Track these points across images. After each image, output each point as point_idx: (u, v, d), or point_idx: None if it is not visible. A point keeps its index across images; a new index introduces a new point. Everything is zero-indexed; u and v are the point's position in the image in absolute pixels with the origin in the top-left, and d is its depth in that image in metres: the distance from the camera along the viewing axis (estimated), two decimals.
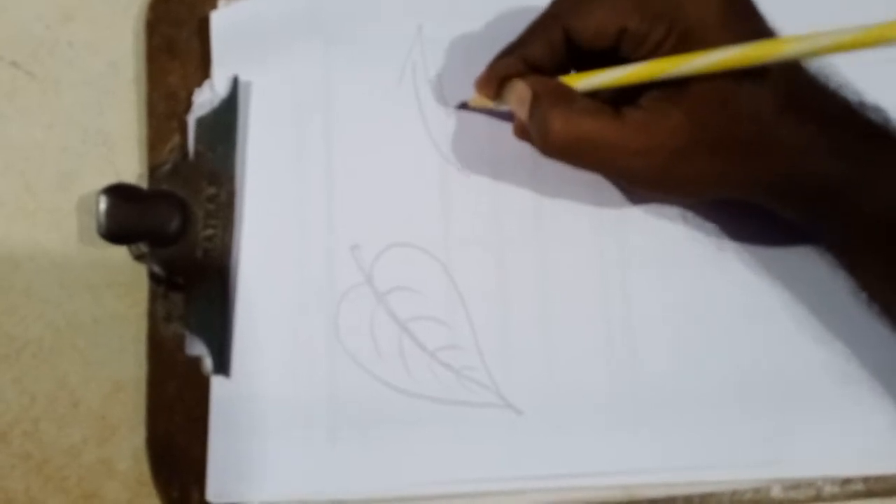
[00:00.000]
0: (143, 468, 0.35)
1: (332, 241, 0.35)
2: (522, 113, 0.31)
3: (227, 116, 0.36)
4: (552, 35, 0.31)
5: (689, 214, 0.35)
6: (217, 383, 0.34)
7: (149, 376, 0.35)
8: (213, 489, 0.33)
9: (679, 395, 0.33)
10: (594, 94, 0.30)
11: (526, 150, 0.35)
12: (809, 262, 0.33)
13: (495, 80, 0.32)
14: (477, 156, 0.36)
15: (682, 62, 0.27)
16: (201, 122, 0.36)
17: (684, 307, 0.34)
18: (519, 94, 0.31)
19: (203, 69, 0.38)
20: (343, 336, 0.34)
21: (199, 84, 0.38)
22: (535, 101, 0.30)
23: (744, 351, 0.33)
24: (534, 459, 0.33)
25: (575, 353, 0.34)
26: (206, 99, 0.37)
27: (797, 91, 0.28)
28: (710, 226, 0.35)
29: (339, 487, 0.33)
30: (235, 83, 0.36)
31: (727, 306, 0.34)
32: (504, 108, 0.34)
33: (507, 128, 0.35)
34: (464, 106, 0.36)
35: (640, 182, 0.31)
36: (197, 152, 0.36)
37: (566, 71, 0.32)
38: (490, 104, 0.34)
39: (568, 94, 0.30)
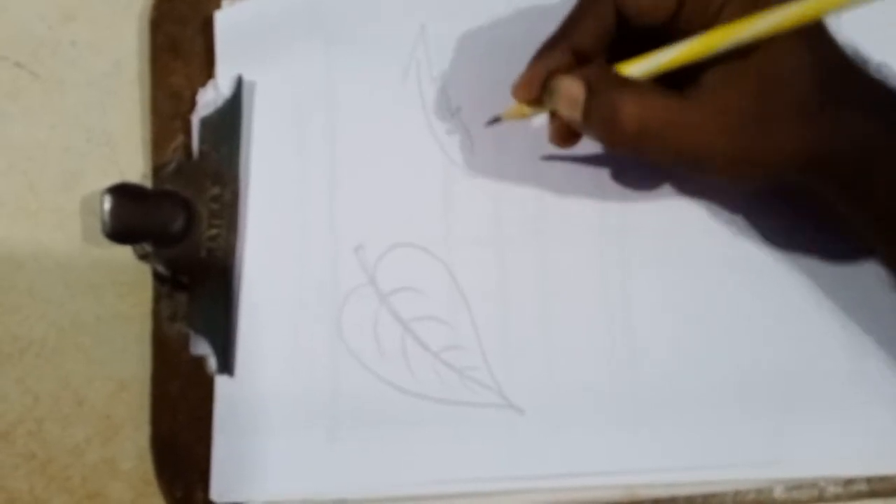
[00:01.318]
0: (147, 467, 0.35)
1: (336, 241, 0.35)
2: (575, 110, 0.28)
3: (231, 116, 0.36)
4: (602, 15, 0.28)
5: (691, 212, 0.35)
6: (221, 382, 0.34)
7: (153, 376, 0.35)
8: (216, 488, 0.33)
9: (681, 395, 0.33)
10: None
11: (529, 149, 0.35)
12: (810, 261, 0.34)
13: (538, 79, 0.30)
14: (480, 156, 0.36)
15: (745, 27, 0.26)
16: (205, 121, 0.36)
17: (685, 307, 0.34)
18: (568, 92, 0.28)
19: (207, 69, 0.38)
20: (346, 336, 0.34)
21: (203, 84, 0.37)
22: (594, 93, 0.28)
23: (745, 350, 0.33)
24: (536, 459, 0.33)
25: (576, 352, 0.34)
26: (209, 98, 0.37)
27: (845, 65, 0.28)
28: (711, 225, 0.35)
29: (342, 487, 0.33)
30: (239, 83, 0.36)
31: (728, 306, 0.34)
32: (542, 114, 0.32)
33: (509, 128, 0.35)
34: (496, 120, 0.34)
35: (716, 165, 0.29)
36: (201, 152, 0.36)
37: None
38: (528, 112, 0.32)
39: (629, 80, 0.28)
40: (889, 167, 0.27)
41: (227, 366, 0.34)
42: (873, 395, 0.33)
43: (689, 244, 0.35)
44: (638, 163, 0.35)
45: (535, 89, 0.30)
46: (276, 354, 0.35)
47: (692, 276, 0.34)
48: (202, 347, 0.35)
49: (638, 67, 0.28)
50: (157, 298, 0.36)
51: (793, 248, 0.34)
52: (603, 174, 0.35)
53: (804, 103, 0.27)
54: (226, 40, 0.37)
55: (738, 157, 0.28)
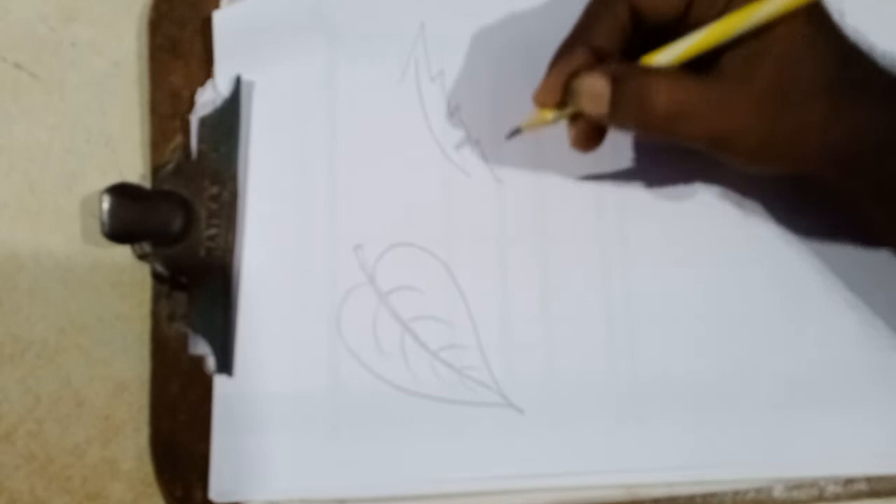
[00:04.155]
0: (148, 468, 0.35)
1: (335, 240, 0.35)
2: (600, 106, 0.28)
3: (229, 116, 0.36)
4: (617, 13, 0.29)
5: (692, 211, 0.35)
6: (220, 382, 0.35)
7: (152, 375, 0.35)
8: (215, 488, 0.34)
9: (681, 395, 0.33)
10: None
11: (528, 148, 0.35)
12: (812, 260, 0.33)
13: (560, 82, 0.29)
14: (479, 154, 0.36)
15: (758, 8, 0.26)
16: (204, 121, 0.36)
17: (686, 306, 0.34)
18: (591, 89, 0.28)
19: (206, 69, 0.38)
20: (345, 335, 0.34)
21: (202, 83, 0.38)
22: (620, 84, 0.28)
23: (746, 350, 0.33)
24: (535, 459, 0.33)
25: (576, 352, 0.34)
26: (208, 98, 0.37)
27: (854, 52, 0.28)
28: (712, 224, 0.35)
29: (341, 486, 0.33)
30: (238, 82, 0.36)
31: (728, 305, 0.34)
32: (563, 118, 0.31)
33: (509, 126, 0.35)
34: (516, 132, 0.33)
35: (747, 145, 0.28)
36: (200, 152, 0.36)
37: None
38: (550, 118, 0.31)
39: (653, 68, 0.29)
40: None
41: (226, 365, 0.34)
42: (873, 395, 0.32)
43: (689, 244, 0.35)
44: (638, 162, 0.35)
45: (559, 92, 0.30)
46: (274, 354, 0.35)
47: (692, 275, 0.34)
48: (201, 347, 0.35)
49: (660, 58, 0.29)
50: (157, 298, 0.36)
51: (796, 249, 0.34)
52: (603, 173, 0.35)
53: (823, 82, 0.27)
54: (224, 40, 0.37)
55: (767, 137, 0.28)
